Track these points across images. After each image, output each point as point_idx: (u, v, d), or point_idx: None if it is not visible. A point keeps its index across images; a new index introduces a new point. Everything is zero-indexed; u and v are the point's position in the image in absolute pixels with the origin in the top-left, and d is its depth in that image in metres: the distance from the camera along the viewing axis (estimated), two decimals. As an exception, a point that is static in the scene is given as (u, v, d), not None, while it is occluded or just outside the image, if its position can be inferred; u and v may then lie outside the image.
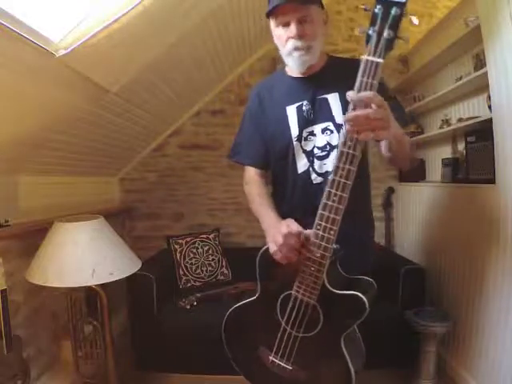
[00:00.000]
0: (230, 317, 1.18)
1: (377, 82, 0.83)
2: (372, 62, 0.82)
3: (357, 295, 0.96)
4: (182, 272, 2.59)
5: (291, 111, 1.19)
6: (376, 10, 0.79)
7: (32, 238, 1.69)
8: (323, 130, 1.17)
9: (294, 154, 1.19)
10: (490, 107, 1.81)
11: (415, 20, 0.87)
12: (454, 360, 2.08)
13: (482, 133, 1.91)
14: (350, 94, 0.84)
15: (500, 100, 1.69)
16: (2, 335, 1.32)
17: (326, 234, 0.93)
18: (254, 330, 1.14)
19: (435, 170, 2.66)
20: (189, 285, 2.57)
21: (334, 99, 1.18)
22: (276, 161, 1.24)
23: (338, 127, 1.16)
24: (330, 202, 0.92)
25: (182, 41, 1.96)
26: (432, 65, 2.52)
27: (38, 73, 1.34)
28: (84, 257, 1.51)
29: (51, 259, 1.51)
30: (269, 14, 1.13)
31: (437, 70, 2.58)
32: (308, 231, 0.97)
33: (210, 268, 2.66)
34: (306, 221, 1.06)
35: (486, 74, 1.79)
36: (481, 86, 2.00)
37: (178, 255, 2.62)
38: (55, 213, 1.89)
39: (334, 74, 1.19)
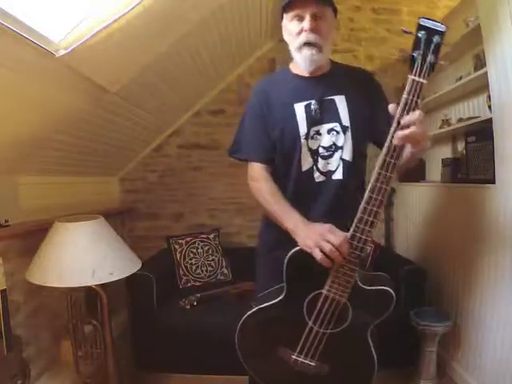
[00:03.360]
0: (251, 318, 1.15)
1: (420, 100, 0.91)
2: (417, 82, 0.91)
3: (386, 289, 1.04)
4: (182, 272, 2.59)
5: (299, 109, 1.20)
6: (419, 35, 0.90)
7: (32, 238, 1.69)
8: (329, 131, 1.19)
9: (300, 152, 1.19)
10: (489, 107, 1.81)
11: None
12: (454, 360, 2.08)
13: (482, 133, 1.91)
14: (392, 108, 0.92)
15: (500, 100, 1.69)
16: (2, 335, 1.32)
17: (363, 236, 0.99)
18: (276, 331, 1.13)
19: (435, 170, 2.65)
20: (189, 285, 2.57)
21: (340, 101, 1.20)
22: (281, 157, 1.23)
23: (345, 129, 1.18)
24: (369, 207, 0.96)
25: (182, 41, 1.96)
26: (432, 65, 2.52)
27: (38, 73, 1.34)
28: (84, 257, 1.51)
29: (51, 259, 1.51)
30: (285, 7, 1.14)
31: (437, 70, 2.57)
32: (347, 234, 1.01)
33: (209, 268, 2.66)
34: (306, 216, 1.11)
35: (485, 74, 1.79)
36: (481, 86, 2.00)
37: (178, 255, 2.62)
38: (55, 213, 1.89)
39: (340, 77, 1.23)
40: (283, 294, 1.10)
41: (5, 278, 1.35)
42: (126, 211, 3.01)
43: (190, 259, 2.63)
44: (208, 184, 3.07)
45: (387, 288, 1.04)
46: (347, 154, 1.19)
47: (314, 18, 1.11)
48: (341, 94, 1.20)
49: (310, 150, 1.19)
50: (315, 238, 1.01)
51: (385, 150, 0.94)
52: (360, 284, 1.03)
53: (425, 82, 0.91)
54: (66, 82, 1.50)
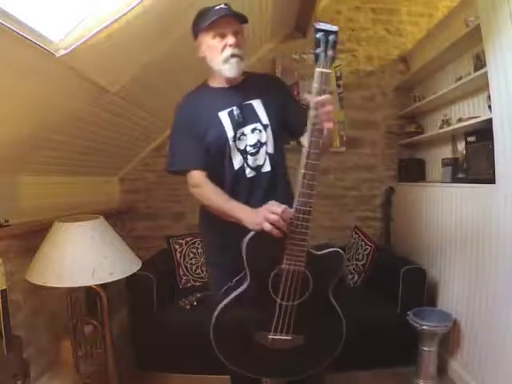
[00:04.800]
0: (221, 314, 1.20)
1: (328, 87, 1.08)
2: (324, 72, 1.07)
3: (335, 250, 1.20)
4: (182, 272, 2.59)
5: (224, 116, 1.34)
6: (318, 36, 1.07)
7: (32, 238, 1.69)
8: (252, 130, 1.35)
9: (230, 153, 1.34)
10: (489, 107, 1.81)
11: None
12: (454, 360, 2.09)
13: (482, 133, 1.91)
14: (309, 97, 1.08)
15: (500, 100, 1.69)
16: (2, 335, 1.32)
17: (306, 208, 1.12)
18: (249, 318, 1.20)
19: (435, 170, 2.66)
20: (189, 285, 2.57)
21: (257, 104, 1.37)
22: (214, 161, 1.36)
23: (265, 127, 1.36)
24: (306, 181, 1.10)
25: (181, 41, 1.96)
26: (432, 65, 2.52)
27: (38, 73, 1.34)
28: (84, 257, 1.51)
29: (51, 259, 1.51)
30: (208, 26, 1.28)
31: (437, 70, 2.58)
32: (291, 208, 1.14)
33: (209, 268, 2.65)
34: None
35: (486, 73, 1.79)
36: (481, 86, 2.01)
37: (178, 255, 2.62)
38: (55, 213, 1.89)
39: (253, 84, 1.41)
40: (248, 281, 1.18)
41: (5, 277, 1.35)
42: (125, 211, 3.01)
43: (190, 259, 2.63)
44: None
45: (335, 248, 1.20)
46: (271, 148, 1.37)
47: (234, 34, 1.30)
48: (257, 99, 1.38)
49: (238, 150, 1.35)
50: (261, 213, 1.13)
51: (309, 131, 1.09)
52: (312, 251, 1.17)
53: (330, 71, 1.08)
54: (66, 81, 1.50)
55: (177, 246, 2.64)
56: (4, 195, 1.67)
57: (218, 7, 1.29)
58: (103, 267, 1.52)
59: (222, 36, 1.30)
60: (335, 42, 1.08)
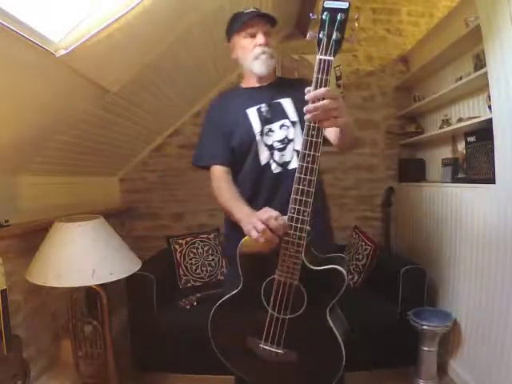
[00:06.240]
0: (215, 313, 1.20)
1: (329, 77, 0.95)
2: (325, 60, 0.96)
3: (335, 268, 1.05)
4: (182, 272, 2.59)
5: (252, 112, 1.37)
6: (323, 17, 0.94)
7: (32, 238, 1.69)
8: (281, 126, 1.35)
9: (256, 148, 1.34)
10: (489, 107, 1.81)
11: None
12: (454, 360, 2.09)
13: (482, 133, 1.91)
14: (308, 90, 0.97)
15: (500, 100, 1.69)
16: (2, 335, 1.32)
17: (300, 216, 1.03)
18: (241, 322, 1.17)
19: (435, 170, 2.66)
20: (189, 285, 2.57)
21: (287, 103, 1.38)
22: (240, 155, 1.36)
23: (293, 123, 1.35)
24: (300, 186, 1.01)
25: (182, 41, 1.96)
26: (432, 65, 2.52)
27: (38, 73, 1.34)
28: (84, 257, 1.51)
29: (51, 259, 1.51)
30: (241, 27, 1.35)
31: (437, 70, 2.58)
32: (284, 216, 1.05)
33: (209, 268, 2.66)
34: (270, 206, 1.17)
35: (485, 73, 1.79)
36: (481, 86, 2.01)
37: (178, 255, 2.62)
38: (55, 213, 1.89)
39: (284, 85, 1.43)
40: (240, 285, 1.15)
41: (5, 277, 1.35)
42: (125, 211, 3.01)
43: (190, 259, 2.63)
44: (208, 184, 3.06)
45: (336, 266, 1.05)
46: (299, 145, 1.29)
47: (265, 34, 1.35)
48: (287, 97, 1.38)
49: (266, 145, 1.34)
50: (250, 220, 1.07)
51: (305, 130, 1.00)
52: (308, 265, 1.05)
53: (331, 58, 0.95)
54: (66, 81, 1.50)
55: (177, 246, 2.64)
56: (4, 195, 1.67)
57: (248, 10, 1.37)
58: (103, 267, 1.52)
59: (253, 36, 1.35)
60: (343, 22, 0.94)
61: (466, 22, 2.04)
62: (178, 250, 2.64)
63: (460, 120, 2.23)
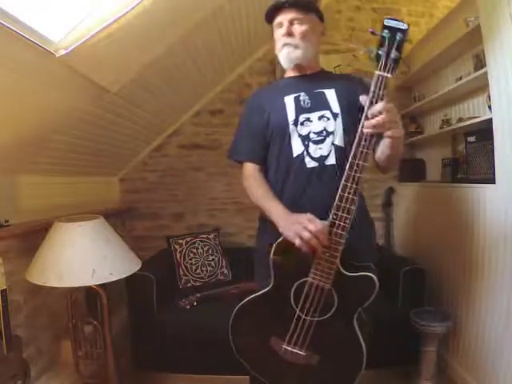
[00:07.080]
0: (240, 310, 1.20)
1: (385, 92, 1.00)
2: (382, 76, 1.00)
3: (368, 275, 1.09)
4: (182, 272, 2.59)
5: (289, 100, 1.30)
6: (384, 35, 1.00)
7: (32, 238, 1.69)
8: (320, 117, 1.26)
9: (289, 138, 1.26)
10: (489, 107, 1.81)
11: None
12: (454, 360, 2.08)
13: (482, 133, 1.91)
14: (363, 99, 1.02)
15: (500, 100, 1.69)
16: (2, 335, 1.32)
17: (341, 223, 1.04)
18: (266, 321, 1.17)
19: (435, 170, 2.66)
20: (189, 285, 2.57)
21: (330, 93, 1.29)
22: (273, 144, 1.30)
23: (335, 116, 1.26)
24: (346, 194, 1.03)
25: (182, 41, 1.96)
26: (432, 65, 2.52)
27: (38, 73, 1.34)
28: (84, 257, 1.51)
29: (51, 259, 1.51)
30: (271, 18, 1.29)
31: (437, 70, 2.58)
32: (326, 222, 1.06)
33: (209, 268, 2.66)
34: (297, 203, 1.18)
35: (486, 74, 1.79)
36: (481, 86, 2.00)
37: (178, 255, 2.62)
38: (55, 213, 1.89)
39: (328, 77, 1.38)
40: (271, 284, 1.14)
41: (5, 277, 1.35)
42: (125, 211, 3.01)
43: (190, 259, 2.63)
44: (208, 184, 3.07)
45: (369, 274, 1.09)
46: (338, 140, 1.24)
47: (292, 23, 1.25)
48: (330, 88, 1.30)
49: (300, 135, 1.25)
50: (295, 227, 1.07)
51: (356, 140, 1.02)
52: (342, 270, 1.08)
53: (389, 75, 1.00)
54: (66, 81, 1.50)
55: (177, 246, 2.64)
56: (4, 195, 1.67)
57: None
58: (103, 267, 1.52)
59: (281, 25, 1.27)
60: (402, 42, 0.99)
61: (466, 22, 2.04)
62: (178, 250, 2.64)
63: (460, 120, 2.23)
